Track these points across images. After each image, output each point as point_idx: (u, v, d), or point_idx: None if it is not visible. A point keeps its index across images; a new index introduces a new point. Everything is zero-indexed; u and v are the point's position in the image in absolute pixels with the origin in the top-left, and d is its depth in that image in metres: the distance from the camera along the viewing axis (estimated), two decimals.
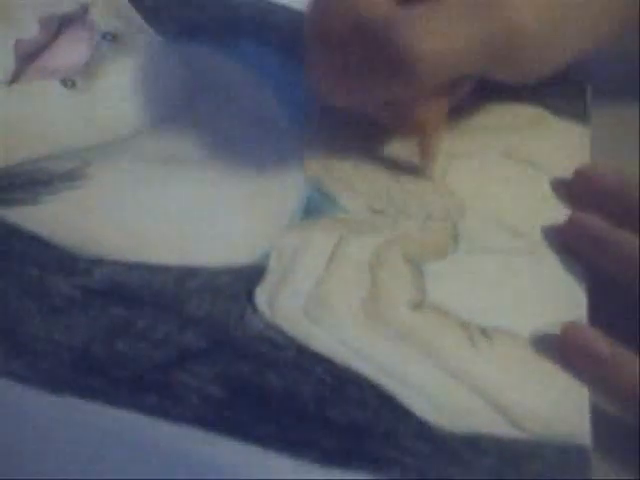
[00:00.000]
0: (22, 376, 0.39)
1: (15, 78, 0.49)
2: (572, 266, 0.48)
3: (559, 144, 0.54)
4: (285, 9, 0.56)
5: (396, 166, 0.51)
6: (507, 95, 0.54)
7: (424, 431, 0.41)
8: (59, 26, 0.52)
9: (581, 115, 0.55)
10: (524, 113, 0.54)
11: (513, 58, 0.48)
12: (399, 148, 0.52)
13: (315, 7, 0.48)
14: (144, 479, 0.38)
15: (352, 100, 0.49)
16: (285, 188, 0.49)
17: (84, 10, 0.53)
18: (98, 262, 0.43)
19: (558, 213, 0.50)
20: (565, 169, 0.52)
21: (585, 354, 0.44)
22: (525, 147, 0.53)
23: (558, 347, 0.44)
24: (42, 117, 0.48)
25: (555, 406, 0.43)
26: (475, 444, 0.41)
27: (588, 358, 0.44)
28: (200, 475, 0.38)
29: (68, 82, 0.49)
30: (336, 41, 0.47)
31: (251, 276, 0.44)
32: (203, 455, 0.39)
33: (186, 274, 0.44)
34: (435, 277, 0.47)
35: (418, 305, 0.45)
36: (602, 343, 0.44)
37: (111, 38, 0.52)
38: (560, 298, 0.47)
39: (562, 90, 0.55)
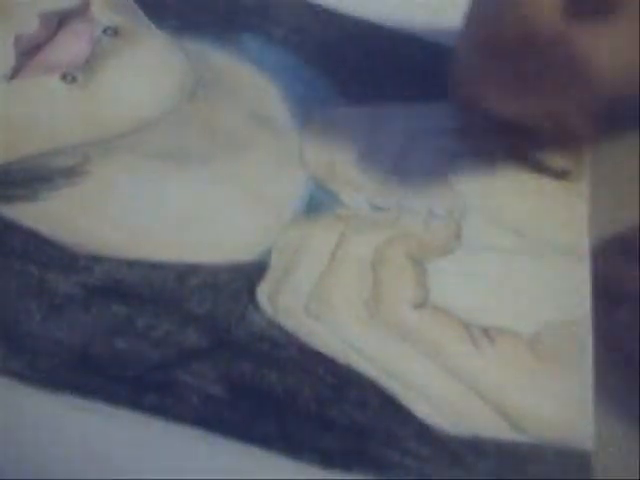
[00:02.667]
0: (22, 375, 0.39)
1: (15, 73, 0.48)
2: (575, 266, 0.48)
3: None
4: (287, 3, 0.56)
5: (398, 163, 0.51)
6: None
7: (425, 433, 0.41)
8: (59, 21, 0.51)
9: None
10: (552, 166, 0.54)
11: None
12: (399, 146, 0.52)
13: (479, 15, 0.49)
14: (144, 479, 0.38)
15: (518, 109, 0.49)
16: (286, 185, 0.48)
17: (85, 5, 0.52)
18: (98, 259, 0.43)
19: (560, 213, 0.50)
20: (563, 169, 0.52)
21: None
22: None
23: None
24: (42, 113, 0.47)
25: (557, 409, 0.43)
26: (476, 446, 0.41)
27: None
28: (199, 475, 0.38)
29: (68, 77, 0.49)
30: (504, 51, 0.47)
31: (252, 273, 0.44)
32: (203, 455, 0.38)
33: (187, 271, 0.43)
34: (437, 276, 0.46)
35: (420, 304, 0.45)
36: None
37: (112, 33, 0.52)
38: (563, 298, 0.47)
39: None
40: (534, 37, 0.47)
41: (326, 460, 0.39)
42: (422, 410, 0.41)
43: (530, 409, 0.42)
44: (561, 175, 0.52)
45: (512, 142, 0.52)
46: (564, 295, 0.47)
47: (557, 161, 0.52)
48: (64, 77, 0.49)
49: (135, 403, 0.39)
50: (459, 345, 0.44)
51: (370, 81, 0.55)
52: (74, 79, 0.49)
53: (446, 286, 0.46)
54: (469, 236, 0.48)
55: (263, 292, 0.43)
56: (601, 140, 0.52)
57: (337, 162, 0.50)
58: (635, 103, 0.49)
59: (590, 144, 0.52)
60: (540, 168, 0.52)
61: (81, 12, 0.52)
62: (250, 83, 0.53)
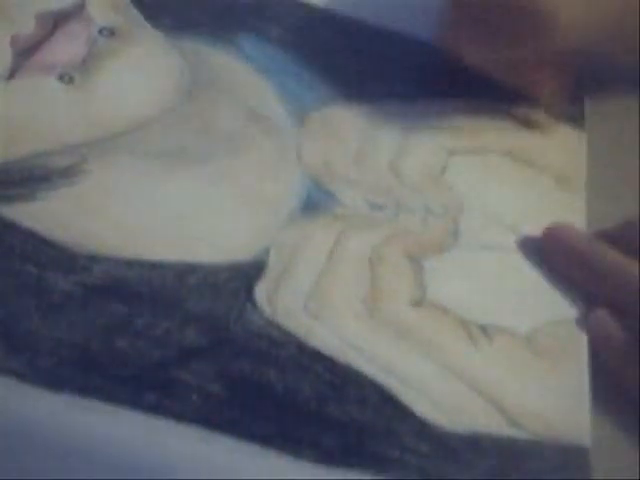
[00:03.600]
0: (21, 373, 0.39)
1: (12, 74, 0.48)
2: None
3: (557, 146, 0.53)
4: (283, 3, 0.56)
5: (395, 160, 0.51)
6: (508, 99, 0.54)
7: (424, 430, 0.41)
8: (55, 21, 0.51)
9: (579, 121, 0.56)
10: (524, 116, 0.54)
11: (632, 36, 0.51)
12: (398, 144, 0.52)
13: None
14: (143, 479, 0.38)
15: (489, 56, 0.52)
16: (284, 184, 0.48)
17: (81, 5, 0.52)
18: (97, 259, 0.43)
19: (557, 211, 0.50)
20: (562, 169, 0.52)
21: (564, 251, 0.47)
22: (525, 147, 0.53)
23: (543, 251, 0.47)
24: (40, 113, 0.47)
25: (555, 405, 0.43)
26: (475, 443, 0.41)
27: (567, 255, 0.47)
28: (199, 474, 0.38)
29: (65, 77, 0.49)
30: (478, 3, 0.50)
31: (251, 272, 0.44)
32: (202, 453, 0.38)
33: (185, 271, 0.43)
34: (435, 274, 0.46)
35: (418, 302, 0.45)
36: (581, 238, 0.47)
37: (108, 33, 0.52)
38: (560, 296, 0.47)
39: (561, 98, 0.55)
40: None
41: (325, 458, 0.39)
42: (421, 407, 0.41)
43: (528, 406, 0.42)
44: (531, 124, 0.54)
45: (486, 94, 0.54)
46: (561, 293, 0.47)
47: (528, 112, 0.54)
48: (61, 77, 0.49)
49: (135, 401, 0.39)
50: (457, 343, 0.44)
51: (367, 80, 0.55)
52: (71, 79, 0.49)
53: (444, 284, 0.46)
54: (466, 234, 0.49)
55: (261, 291, 0.44)
56: (566, 93, 0.54)
57: (334, 161, 0.50)
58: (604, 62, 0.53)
59: (556, 96, 0.54)
60: (511, 118, 0.54)
61: (77, 12, 0.52)
62: (247, 82, 0.53)
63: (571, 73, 0.53)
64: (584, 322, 0.46)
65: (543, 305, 0.46)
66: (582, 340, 0.45)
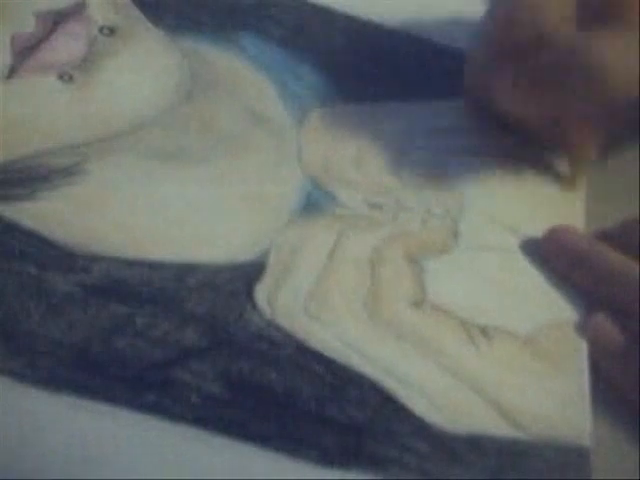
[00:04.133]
0: (21, 374, 0.39)
1: (12, 73, 0.48)
2: None
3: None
4: (286, 2, 0.56)
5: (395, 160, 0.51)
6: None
7: (423, 431, 0.41)
8: (56, 20, 0.51)
9: None
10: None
11: None
12: (398, 145, 0.52)
13: (495, 17, 0.50)
14: (142, 479, 0.38)
15: (529, 112, 0.50)
16: (284, 185, 0.48)
17: (81, 4, 0.52)
18: (97, 259, 0.43)
19: (558, 212, 0.50)
20: (564, 170, 0.52)
21: (565, 253, 0.46)
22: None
23: (543, 253, 0.47)
24: (39, 112, 0.47)
25: (555, 406, 0.43)
26: (475, 444, 0.41)
27: (568, 257, 0.46)
28: (199, 474, 0.38)
29: (65, 77, 0.49)
30: (518, 53, 0.48)
31: (251, 273, 0.44)
32: (202, 454, 0.38)
33: (185, 271, 0.43)
34: (435, 275, 0.46)
35: (418, 303, 0.45)
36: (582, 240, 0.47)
37: (108, 32, 0.52)
38: (560, 297, 0.47)
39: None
40: (548, 41, 0.47)
41: (325, 458, 0.39)
42: (420, 408, 0.41)
43: (528, 406, 0.42)
44: (560, 179, 0.52)
45: (516, 142, 0.52)
46: (561, 294, 0.47)
47: (559, 165, 0.53)
48: (61, 76, 0.49)
49: (134, 402, 0.39)
50: (457, 343, 0.44)
51: (368, 80, 0.55)
52: (71, 78, 0.49)
53: (444, 285, 0.46)
54: (467, 235, 0.48)
55: (261, 292, 0.44)
56: (610, 150, 0.52)
57: (334, 161, 0.50)
58: None
59: (597, 153, 0.52)
60: (541, 169, 0.52)
61: (77, 11, 0.52)
62: (248, 82, 0.53)
63: (613, 131, 0.51)
64: (584, 325, 0.45)
65: (543, 306, 0.46)
66: (582, 341, 0.45)
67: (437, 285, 0.46)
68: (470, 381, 0.43)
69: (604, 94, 0.47)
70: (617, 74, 0.47)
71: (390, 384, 0.42)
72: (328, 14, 0.57)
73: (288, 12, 0.56)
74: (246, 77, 0.53)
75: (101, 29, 0.52)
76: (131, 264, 0.43)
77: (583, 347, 0.45)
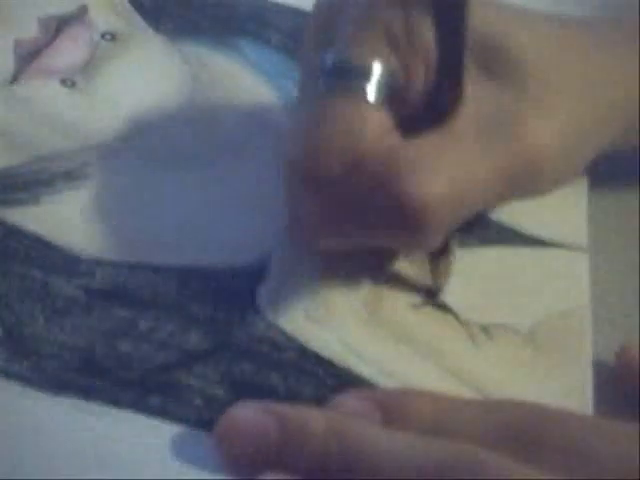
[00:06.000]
0: (26, 377, 0.39)
1: (15, 78, 0.49)
2: (573, 259, 0.48)
3: None
4: (284, 7, 0.56)
5: None
6: None
7: None
8: (58, 26, 0.51)
9: None
10: None
11: (532, 183, 0.43)
12: None
13: (301, 144, 0.42)
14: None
15: (345, 244, 0.44)
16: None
17: (82, 10, 0.53)
18: (100, 263, 0.43)
19: (559, 206, 0.50)
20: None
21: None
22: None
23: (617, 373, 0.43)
24: (42, 117, 0.48)
25: (557, 402, 0.43)
26: None
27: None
28: (203, 477, 0.38)
29: (68, 82, 0.49)
30: (328, 181, 0.41)
31: (252, 276, 0.44)
32: (207, 456, 0.39)
33: (187, 275, 0.44)
34: None
35: (418, 303, 0.45)
36: None
37: (110, 37, 0.52)
38: (561, 292, 0.47)
39: None
40: (365, 163, 0.40)
41: None
42: None
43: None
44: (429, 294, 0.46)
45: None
46: (562, 290, 0.47)
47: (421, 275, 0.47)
48: (64, 82, 0.49)
49: (139, 405, 0.39)
50: (458, 343, 0.44)
51: None
52: (73, 84, 0.50)
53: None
54: (465, 232, 0.49)
55: (263, 295, 0.44)
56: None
57: None
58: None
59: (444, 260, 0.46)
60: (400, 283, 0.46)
61: (80, 17, 0.52)
62: (248, 86, 0.53)
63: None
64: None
65: (544, 302, 0.47)
66: (585, 335, 0.46)
67: None
68: (472, 380, 0.43)
69: (416, 229, 0.40)
70: (428, 204, 0.39)
71: (391, 385, 0.42)
72: None
73: (285, 19, 0.56)
74: (246, 81, 0.53)
75: (103, 34, 0.52)
76: (134, 268, 0.43)
77: (586, 341, 0.45)
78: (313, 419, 0.33)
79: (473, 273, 0.47)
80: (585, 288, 0.47)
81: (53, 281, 0.42)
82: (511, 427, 0.35)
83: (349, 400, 0.36)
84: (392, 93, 0.41)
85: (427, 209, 0.39)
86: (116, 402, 0.39)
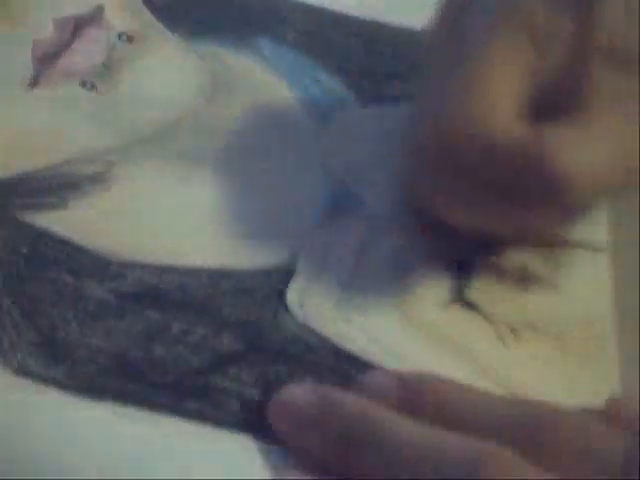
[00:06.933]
0: (62, 383, 0.39)
1: (35, 81, 0.48)
2: (594, 261, 0.48)
3: None
4: (301, 5, 0.56)
5: None
6: None
7: None
8: (75, 26, 0.51)
9: None
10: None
11: None
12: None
13: (433, 128, 0.43)
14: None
15: (479, 223, 0.45)
16: (309, 188, 0.48)
17: (98, 11, 0.52)
18: (130, 265, 0.43)
19: None
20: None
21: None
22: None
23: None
24: (65, 120, 0.48)
25: (587, 404, 0.43)
26: None
27: None
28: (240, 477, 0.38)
29: (88, 84, 0.49)
30: (462, 165, 0.42)
31: (282, 277, 0.44)
32: (244, 459, 0.39)
33: (218, 276, 0.43)
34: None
35: (446, 303, 0.45)
36: None
37: (127, 38, 0.52)
38: (585, 293, 0.47)
39: None
40: (501, 148, 0.41)
41: None
42: None
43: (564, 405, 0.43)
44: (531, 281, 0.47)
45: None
46: (586, 291, 0.47)
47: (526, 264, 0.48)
48: (84, 84, 0.49)
49: (175, 409, 0.39)
50: (488, 343, 0.44)
51: (383, 81, 0.55)
52: (93, 85, 0.49)
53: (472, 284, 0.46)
54: None
55: (293, 295, 0.44)
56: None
57: (356, 162, 0.50)
58: None
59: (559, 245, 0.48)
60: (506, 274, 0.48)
61: (96, 17, 0.52)
62: (266, 85, 0.53)
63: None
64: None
65: (572, 302, 0.47)
66: (613, 337, 0.46)
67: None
68: (502, 381, 0.43)
69: (558, 199, 0.42)
70: (571, 177, 0.41)
71: None
72: (341, 17, 0.57)
73: (300, 16, 0.56)
74: (265, 80, 0.53)
75: (120, 35, 0.52)
76: (164, 270, 0.43)
77: (613, 342, 0.45)
78: (347, 400, 0.38)
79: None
80: (608, 289, 0.47)
81: (84, 285, 0.42)
82: (531, 427, 0.37)
83: (375, 378, 0.40)
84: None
85: (574, 184, 0.41)
86: (152, 406, 0.39)
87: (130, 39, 0.52)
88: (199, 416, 0.39)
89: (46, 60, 0.50)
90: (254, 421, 0.39)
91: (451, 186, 0.43)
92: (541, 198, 0.42)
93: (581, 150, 0.41)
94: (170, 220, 0.45)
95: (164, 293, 0.42)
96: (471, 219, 0.44)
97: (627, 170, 0.43)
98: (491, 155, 0.42)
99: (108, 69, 0.50)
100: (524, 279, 0.47)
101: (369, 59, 0.56)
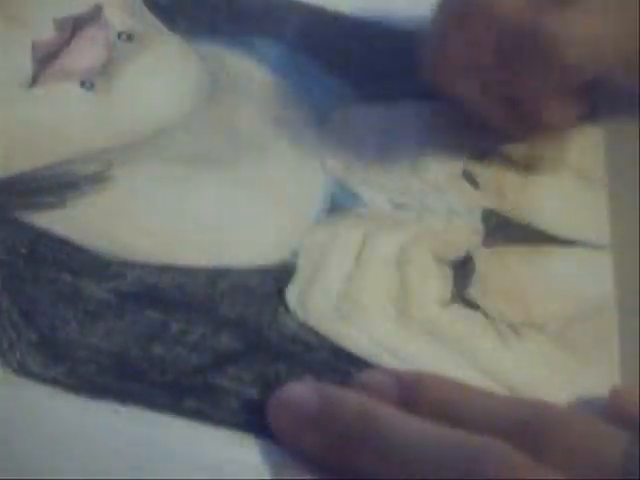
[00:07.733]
0: (62, 382, 0.39)
1: (34, 81, 0.48)
2: (596, 257, 0.48)
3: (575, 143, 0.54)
4: (299, 4, 0.56)
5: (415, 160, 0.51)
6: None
7: None
8: (74, 26, 0.51)
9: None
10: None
11: None
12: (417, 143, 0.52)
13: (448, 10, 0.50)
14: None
15: (486, 96, 0.50)
16: (308, 186, 0.48)
17: (98, 10, 0.52)
18: (129, 265, 0.43)
19: (579, 209, 0.50)
20: (582, 167, 0.52)
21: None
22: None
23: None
24: (65, 120, 0.48)
25: (587, 404, 0.43)
26: None
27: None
28: (239, 477, 0.38)
29: (87, 84, 0.49)
30: (472, 36, 0.48)
31: (281, 275, 0.44)
32: (243, 458, 0.39)
33: (217, 275, 0.43)
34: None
35: (447, 302, 0.45)
36: None
37: (126, 38, 0.52)
38: (586, 291, 0.47)
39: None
40: (501, 22, 0.47)
41: None
42: None
43: (560, 402, 0.43)
44: (528, 168, 0.52)
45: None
46: (588, 289, 0.47)
47: (523, 152, 0.52)
48: (83, 83, 0.49)
49: (175, 408, 0.39)
50: (488, 342, 0.44)
51: (383, 79, 0.55)
52: (92, 85, 0.49)
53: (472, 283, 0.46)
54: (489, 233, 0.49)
55: (292, 294, 0.44)
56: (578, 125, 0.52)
57: (356, 161, 0.50)
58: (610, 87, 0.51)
59: (565, 129, 0.52)
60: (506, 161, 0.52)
61: (95, 17, 0.52)
62: (266, 85, 0.53)
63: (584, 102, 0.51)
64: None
65: (571, 300, 0.47)
66: (613, 333, 0.46)
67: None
68: (502, 379, 0.43)
69: (557, 72, 0.48)
70: (569, 51, 0.47)
71: None
72: (337, 17, 0.57)
73: (298, 16, 0.56)
74: (264, 80, 0.53)
75: (119, 35, 0.52)
76: (163, 270, 0.43)
77: (614, 339, 0.45)
78: (348, 398, 0.38)
79: (499, 272, 0.47)
80: (609, 287, 0.47)
81: (84, 284, 0.42)
82: (528, 425, 0.37)
83: (375, 377, 0.40)
84: None
85: (571, 46, 0.46)
86: (152, 405, 0.39)
87: (130, 38, 0.52)
88: (199, 415, 0.39)
89: (45, 60, 0.49)
90: (254, 420, 0.39)
91: (461, 58, 0.49)
92: (538, 66, 0.47)
93: (577, 25, 0.47)
94: (169, 220, 0.45)
95: (163, 293, 0.42)
96: (477, 91, 0.49)
97: (620, 50, 0.47)
98: (499, 28, 0.47)
99: (108, 69, 0.50)
100: (529, 166, 0.51)
101: (369, 59, 0.56)
